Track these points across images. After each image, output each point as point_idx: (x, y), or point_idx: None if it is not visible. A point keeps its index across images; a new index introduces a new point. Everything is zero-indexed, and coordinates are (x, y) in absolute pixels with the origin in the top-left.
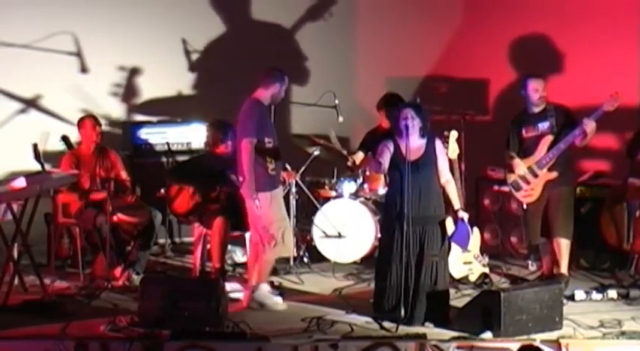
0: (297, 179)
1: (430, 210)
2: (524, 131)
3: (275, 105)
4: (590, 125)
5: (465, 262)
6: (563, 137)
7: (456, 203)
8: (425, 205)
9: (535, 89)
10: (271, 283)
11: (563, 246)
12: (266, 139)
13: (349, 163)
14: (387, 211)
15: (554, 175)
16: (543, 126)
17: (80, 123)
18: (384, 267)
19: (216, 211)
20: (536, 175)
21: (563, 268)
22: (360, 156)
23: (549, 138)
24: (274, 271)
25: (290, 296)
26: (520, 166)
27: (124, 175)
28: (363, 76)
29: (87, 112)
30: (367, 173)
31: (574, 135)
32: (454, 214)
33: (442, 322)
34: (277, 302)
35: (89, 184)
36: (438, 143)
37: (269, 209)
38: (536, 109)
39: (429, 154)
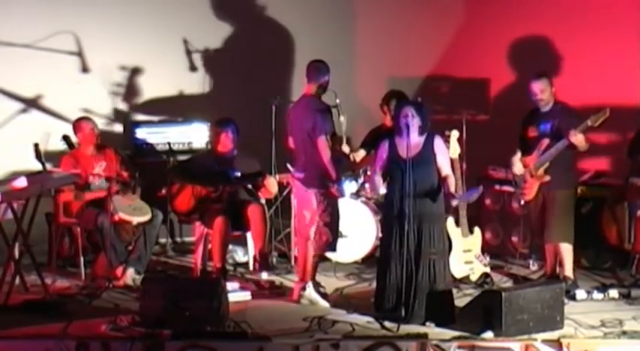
0: None
1: (427, 207)
2: (529, 130)
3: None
4: (575, 137)
5: (466, 261)
6: (556, 142)
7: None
8: (421, 202)
9: (534, 92)
10: (272, 283)
11: (563, 250)
12: (329, 137)
13: (345, 150)
14: (386, 210)
15: (547, 178)
16: (545, 127)
17: (75, 125)
18: (383, 266)
19: (217, 211)
20: (531, 175)
21: (568, 271)
22: (361, 154)
23: (546, 141)
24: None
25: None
26: (516, 165)
27: (124, 173)
28: (364, 75)
29: (88, 111)
30: (368, 173)
31: (558, 148)
32: (451, 196)
33: (446, 321)
34: (324, 302)
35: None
36: (438, 141)
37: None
38: (543, 109)
39: (427, 151)
